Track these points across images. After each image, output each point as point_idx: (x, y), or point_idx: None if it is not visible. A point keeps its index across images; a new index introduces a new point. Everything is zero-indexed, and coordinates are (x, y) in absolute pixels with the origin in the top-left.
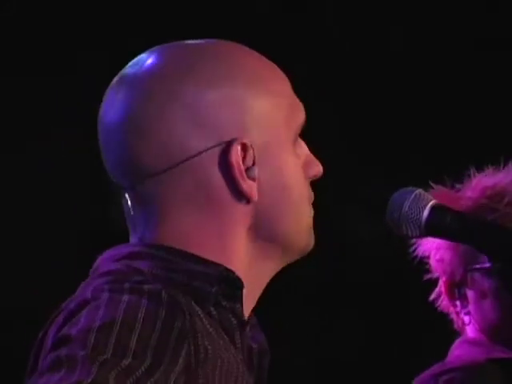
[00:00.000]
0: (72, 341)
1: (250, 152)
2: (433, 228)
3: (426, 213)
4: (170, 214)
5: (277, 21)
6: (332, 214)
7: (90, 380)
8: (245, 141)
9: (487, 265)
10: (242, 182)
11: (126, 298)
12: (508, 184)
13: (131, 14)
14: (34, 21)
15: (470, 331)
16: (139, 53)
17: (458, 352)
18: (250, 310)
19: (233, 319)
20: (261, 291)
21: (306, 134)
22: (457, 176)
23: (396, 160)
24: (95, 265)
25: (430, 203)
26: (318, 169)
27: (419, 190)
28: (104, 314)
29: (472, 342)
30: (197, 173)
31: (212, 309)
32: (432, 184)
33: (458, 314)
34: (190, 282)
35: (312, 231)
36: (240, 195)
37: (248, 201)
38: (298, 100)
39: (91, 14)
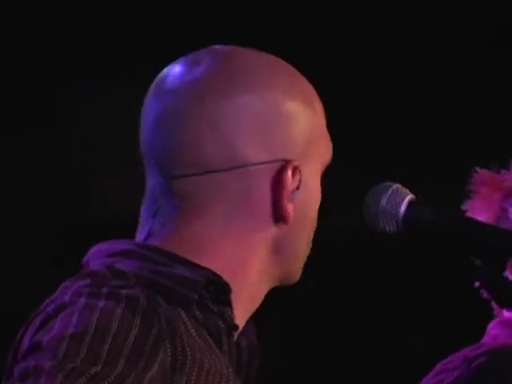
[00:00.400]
0: (43, 350)
1: (297, 176)
2: (410, 223)
3: (403, 208)
4: (200, 216)
5: (277, 21)
6: (333, 213)
7: None
8: (297, 164)
9: None
10: (287, 204)
11: (102, 303)
12: None
13: (131, 14)
14: (34, 20)
15: (508, 314)
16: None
17: (494, 331)
18: (243, 322)
19: (220, 323)
20: (255, 309)
21: None
22: (454, 172)
23: (395, 157)
24: (86, 258)
25: (408, 198)
26: None
27: (396, 185)
28: (78, 321)
29: (508, 323)
30: (248, 182)
31: (198, 312)
32: (477, 168)
33: None
34: (173, 287)
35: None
36: (280, 216)
37: (282, 223)
38: (329, 138)
39: (92, 14)
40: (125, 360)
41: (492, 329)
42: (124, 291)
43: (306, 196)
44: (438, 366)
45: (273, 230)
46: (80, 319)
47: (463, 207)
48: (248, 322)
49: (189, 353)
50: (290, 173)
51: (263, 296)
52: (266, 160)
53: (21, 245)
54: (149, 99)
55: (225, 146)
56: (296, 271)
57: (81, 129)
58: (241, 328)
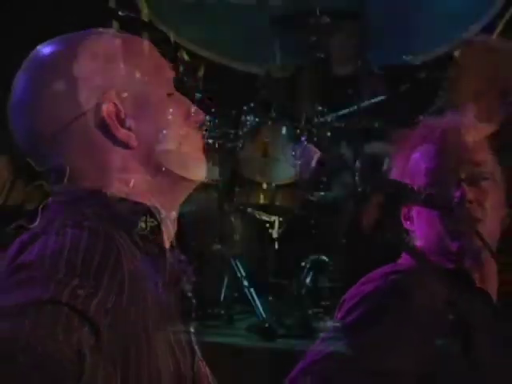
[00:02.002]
0: (29, 266)
1: (120, 107)
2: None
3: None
4: (80, 170)
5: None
6: None
7: (48, 296)
8: (111, 96)
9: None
10: (116, 131)
11: (69, 230)
12: (442, 122)
13: (132, 14)
14: (34, 20)
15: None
16: None
17: (406, 258)
18: (169, 239)
19: (155, 248)
20: (175, 215)
21: None
22: None
23: None
24: (45, 204)
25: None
26: (199, 115)
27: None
28: (54, 242)
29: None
30: (84, 131)
31: (138, 239)
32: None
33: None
34: (119, 215)
35: (196, 159)
36: (123, 144)
37: (127, 146)
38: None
39: (92, 14)
40: (94, 275)
41: (405, 255)
42: (86, 223)
43: (149, 115)
44: (362, 279)
45: (127, 152)
46: (55, 241)
47: (390, 164)
48: (175, 246)
49: (134, 270)
50: (108, 107)
51: (174, 205)
52: (88, 107)
53: None
54: None
55: (51, 112)
56: (183, 165)
57: None
58: (168, 247)
